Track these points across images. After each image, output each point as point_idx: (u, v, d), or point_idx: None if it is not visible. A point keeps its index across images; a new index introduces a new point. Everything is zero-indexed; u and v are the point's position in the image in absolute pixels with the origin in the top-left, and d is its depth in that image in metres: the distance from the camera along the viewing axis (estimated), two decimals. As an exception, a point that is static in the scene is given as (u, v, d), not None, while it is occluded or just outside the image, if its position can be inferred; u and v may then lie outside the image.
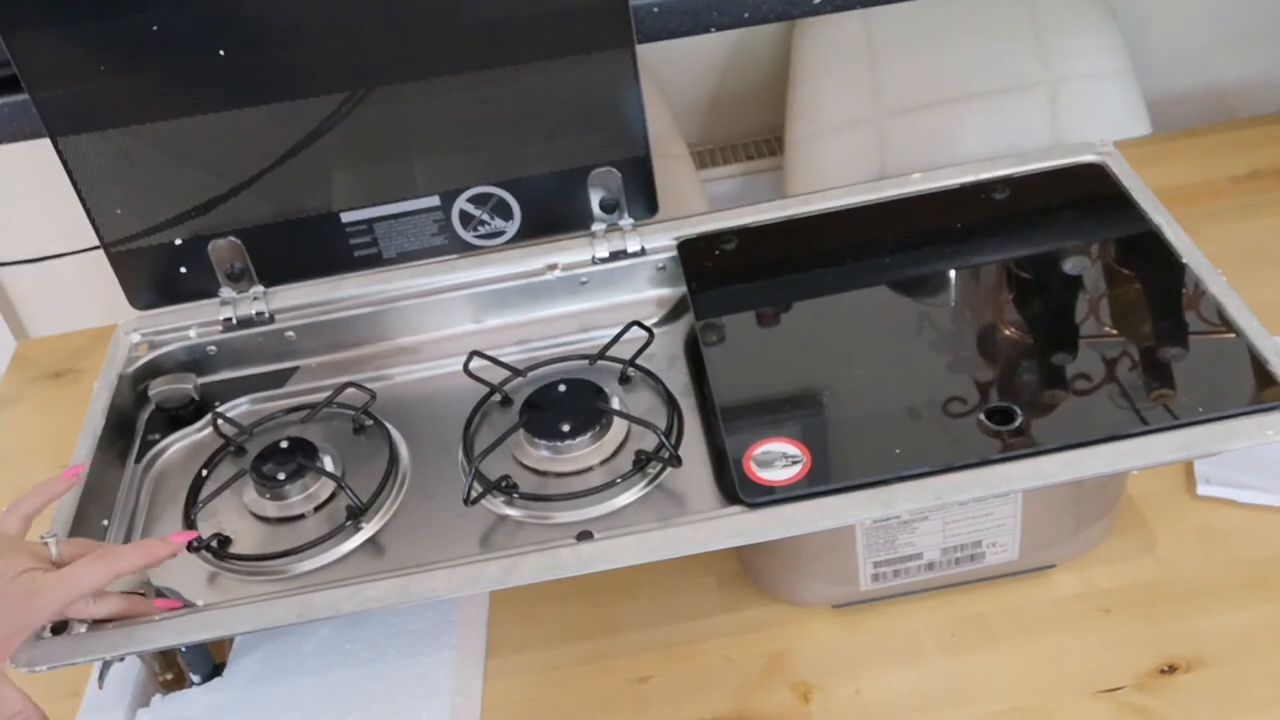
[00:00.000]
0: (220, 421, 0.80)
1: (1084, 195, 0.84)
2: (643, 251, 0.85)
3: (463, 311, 0.86)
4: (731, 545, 0.66)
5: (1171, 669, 0.71)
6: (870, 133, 1.25)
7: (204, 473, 0.78)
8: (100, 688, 0.71)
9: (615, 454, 0.74)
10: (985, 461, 0.66)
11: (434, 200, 0.85)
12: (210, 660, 0.73)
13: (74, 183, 0.80)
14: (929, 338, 0.76)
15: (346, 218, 0.85)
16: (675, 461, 0.71)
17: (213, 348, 0.85)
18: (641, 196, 0.86)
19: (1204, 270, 0.75)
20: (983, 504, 0.71)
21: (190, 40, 0.76)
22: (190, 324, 0.86)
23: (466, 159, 0.84)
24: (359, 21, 0.77)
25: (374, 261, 0.86)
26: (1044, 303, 0.78)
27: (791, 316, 0.80)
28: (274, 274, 0.86)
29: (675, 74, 1.40)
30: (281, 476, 0.74)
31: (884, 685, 0.72)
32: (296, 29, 0.77)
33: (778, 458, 0.68)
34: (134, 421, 0.84)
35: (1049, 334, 0.75)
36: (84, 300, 1.27)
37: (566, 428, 0.74)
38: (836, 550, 0.73)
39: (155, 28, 0.76)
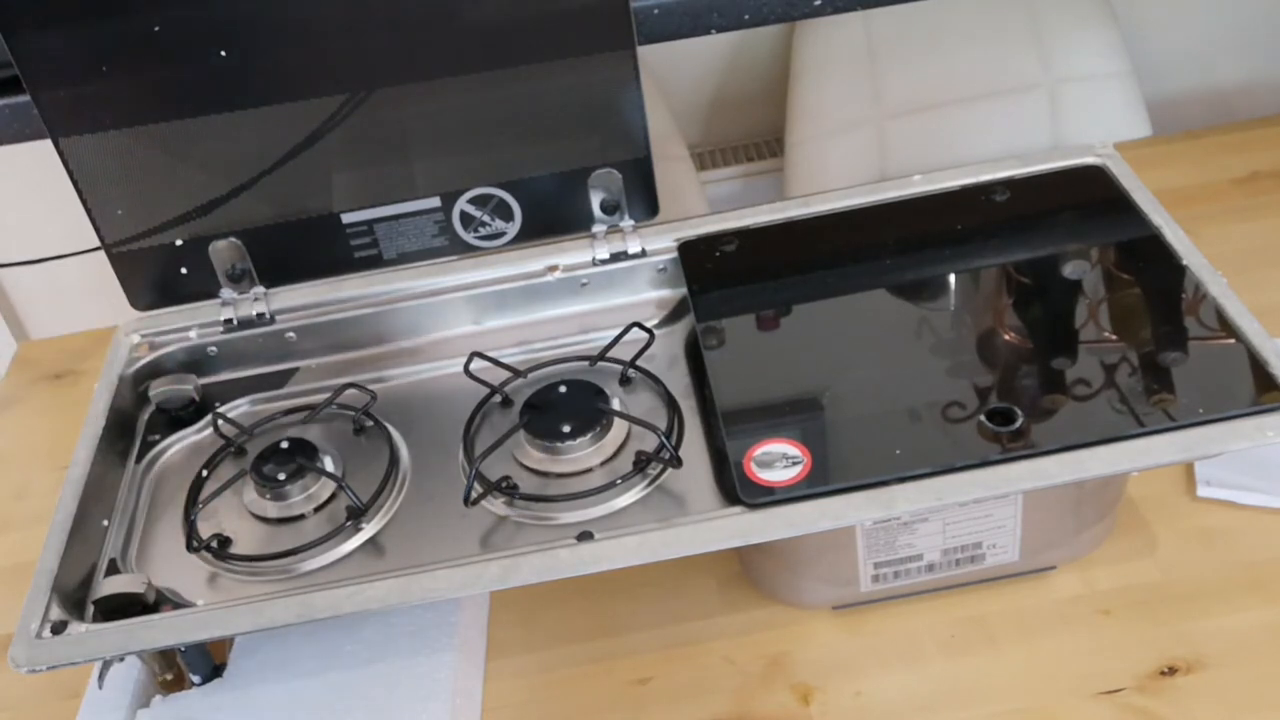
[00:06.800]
0: (221, 422, 0.80)
1: (1084, 197, 0.84)
2: (643, 253, 0.85)
3: (463, 313, 0.86)
4: (732, 546, 0.66)
5: (1172, 670, 0.71)
6: (870, 134, 1.25)
7: (204, 473, 0.78)
8: (100, 688, 0.71)
9: (616, 455, 0.74)
10: (986, 462, 0.66)
11: (435, 201, 0.85)
12: (210, 660, 0.73)
13: (75, 184, 0.80)
14: (929, 339, 0.77)
15: (347, 219, 0.85)
16: (676, 462, 0.71)
17: (213, 348, 0.85)
18: (642, 198, 0.86)
19: (1205, 272, 0.75)
20: (983, 505, 0.71)
21: (191, 41, 0.76)
22: (191, 325, 0.86)
23: (467, 160, 0.84)
24: (360, 23, 0.77)
25: (374, 262, 0.86)
26: (1044, 305, 0.78)
27: (792, 318, 0.80)
28: (275, 275, 0.86)
29: (676, 75, 1.40)
30: (282, 477, 0.74)
31: (884, 687, 0.72)
32: (298, 31, 0.77)
33: (778, 458, 0.68)
34: (134, 422, 0.83)
35: (1049, 336, 0.75)
36: (85, 301, 1.27)
37: (567, 429, 0.74)
38: (837, 551, 0.73)
39: (156, 29, 0.76)
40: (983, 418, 0.68)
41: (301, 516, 0.74)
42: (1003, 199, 0.85)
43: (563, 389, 0.77)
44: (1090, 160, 0.86)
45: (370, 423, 0.79)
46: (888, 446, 0.68)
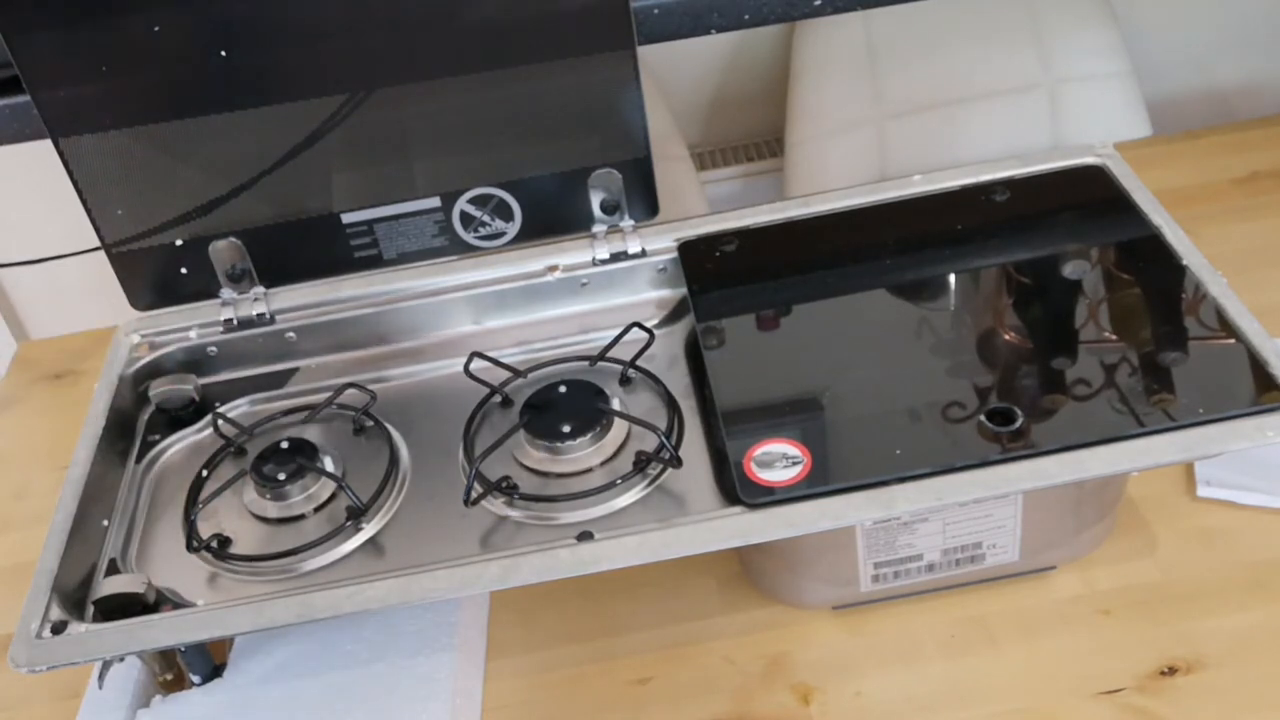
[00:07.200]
0: (221, 422, 0.80)
1: (1084, 197, 0.84)
2: (643, 253, 0.85)
3: (463, 313, 0.86)
4: (732, 546, 0.66)
5: (1172, 670, 0.71)
6: (870, 134, 1.25)
7: (204, 473, 0.78)
8: (100, 688, 0.71)
9: (616, 455, 0.74)
10: (986, 462, 0.66)
11: (435, 201, 0.85)
12: (210, 660, 0.73)
13: (75, 184, 0.80)
14: (929, 340, 0.77)
15: (347, 219, 0.85)
16: (676, 462, 0.71)
17: (213, 348, 0.85)
18: (642, 198, 0.86)
19: (1204, 272, 0.75)
20: (983, 505, 0.71)
21: (192, 41, 0.76)
22: (191, 325, 0.86)
23: (467, 160, 0.84)
24: (360, 23, 0.77)
25: (374, 262, 0.86)
26: (1044, 305, 0.78)
27: (792, 318, 0.80)
28: (275, 275, 0.86)
29: (676, 75, 1.40)
30: (282, 477, 0.74)
31: (884, 687, 0.72)
32: (298, 31, 0.77)
33: (778, 458, 0.68)
34: (134, 422, 0.83)
35: (1049, 336, 0.75)
36: (85, 301, 1.27)
37: (567, 429, 0.74)
38: (837, 551, 0.73)
39: (156, 29, 0.76)
40: (983, 418, 0.68)
41: (301, 516, 0.74)
42: (1003, 199, 0.85)
43: (563, 389, 0.77)
44: (1090, 160, 0.86)
45: (370, 423, 0.79)
46: (888, 446, 0.68)
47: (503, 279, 0.86)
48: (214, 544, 0.73)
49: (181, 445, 0.82)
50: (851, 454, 0.69)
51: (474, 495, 0.71)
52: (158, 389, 0.84)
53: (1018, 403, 0.69)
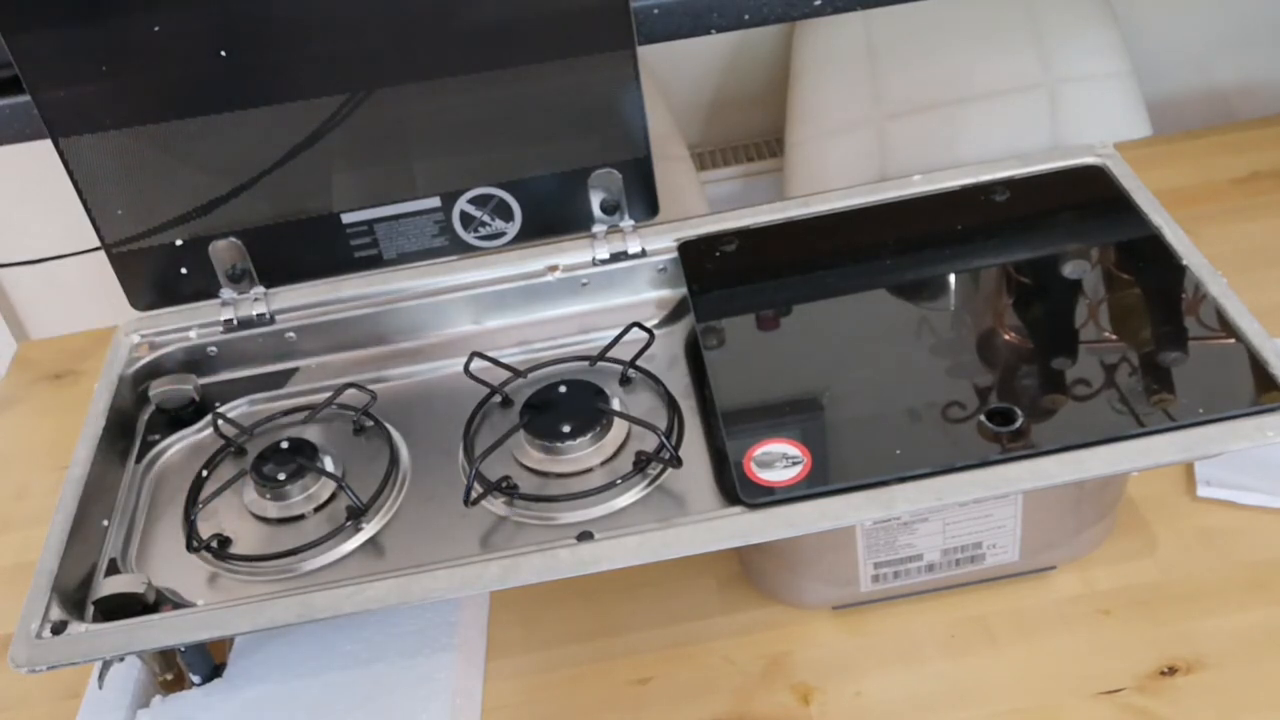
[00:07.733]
0: (221, 422, 0.80)
1: (1084, 197, 0.84)
2: (643, 253, 0.85)
3: (463, 313, 0.86)
4: (732, 546, 0.66)
5: (1172, 670, 0.71)
6: (870, 134, 1.25)
7: (204, 473, 0.78)
8: (100, 688, 0.71)
9: (616, 455, 0.74)
10: (986, 462, 0.66)
11: (435, 201, 0.85)
12: (210, 660, 0.73)
13: (75, 184, 0.80)
14: (929, 340, 0.77)
15: (347, 219, 0.85)
16: (676, 462, 0.71)
17: (213, 348, 0.85)
18: (642, 198, 0.86)
19: (1204, 272, 0.75)
20: (983, 505, 0.71)
21: (192, 41, 0.76)
22: (191, 325, 0.86)
23: (467, 160, 0.84)
24: (360, 23, 0.77)
25: (374, 262, 0.86)
26: (1044, 305, 0.78)
27: (792, 318, 0.80)
28: (275, 275, 0.86)
29: (676, 75, 1.40)
30: (282, 477, 0.74)
31: (884, 687, 0.72)
32: (298, 30, 0.77)
33: (778, 458, 0.68)
34: (134, 422, 0.83)
35: (1049, 336, 0.75)
36: (85, 301, 1.27)
37: (567, 429, 0.74)
38: (837, 551, 0.73)
39: (157, 29, 0.76)
40: (983, 418, 0.68)
41: (301, 516, 0.74)
42: (1003, 199, 0.85)
43: (563, 389, 0.77)
44: (1090, 160, 0.86)
45: (370, 423, 0.79)
46: (888, 446, 0.68)
47: (503, 279, 0.86)
48: (214, 544, 0.73)
49: (181, 445, 0.82)
50: (851, 454, 0.69)
51: (474, 495, 0.71)
52: (158, 389, 0.84)
53: (1018, 403, 0.69)
